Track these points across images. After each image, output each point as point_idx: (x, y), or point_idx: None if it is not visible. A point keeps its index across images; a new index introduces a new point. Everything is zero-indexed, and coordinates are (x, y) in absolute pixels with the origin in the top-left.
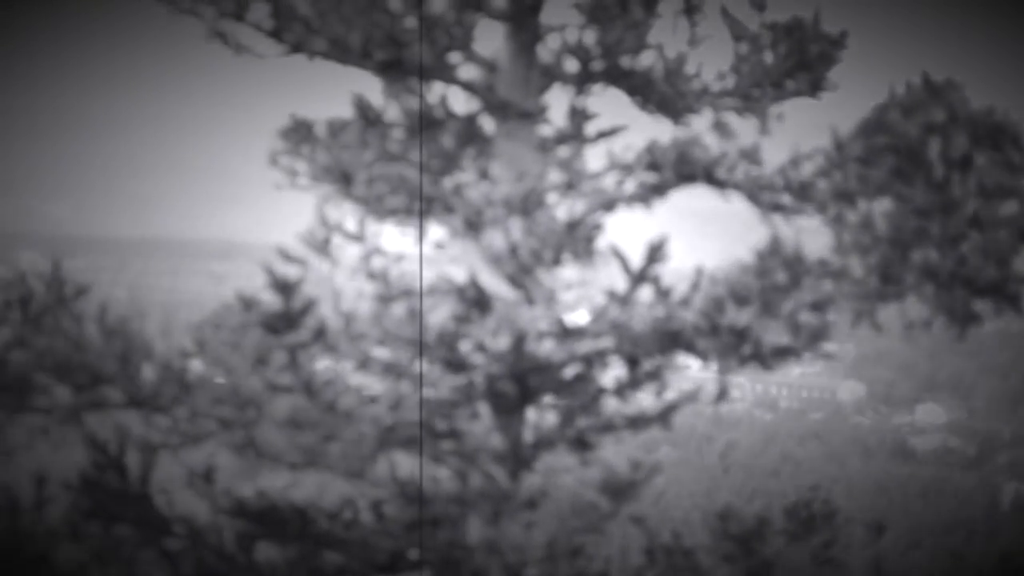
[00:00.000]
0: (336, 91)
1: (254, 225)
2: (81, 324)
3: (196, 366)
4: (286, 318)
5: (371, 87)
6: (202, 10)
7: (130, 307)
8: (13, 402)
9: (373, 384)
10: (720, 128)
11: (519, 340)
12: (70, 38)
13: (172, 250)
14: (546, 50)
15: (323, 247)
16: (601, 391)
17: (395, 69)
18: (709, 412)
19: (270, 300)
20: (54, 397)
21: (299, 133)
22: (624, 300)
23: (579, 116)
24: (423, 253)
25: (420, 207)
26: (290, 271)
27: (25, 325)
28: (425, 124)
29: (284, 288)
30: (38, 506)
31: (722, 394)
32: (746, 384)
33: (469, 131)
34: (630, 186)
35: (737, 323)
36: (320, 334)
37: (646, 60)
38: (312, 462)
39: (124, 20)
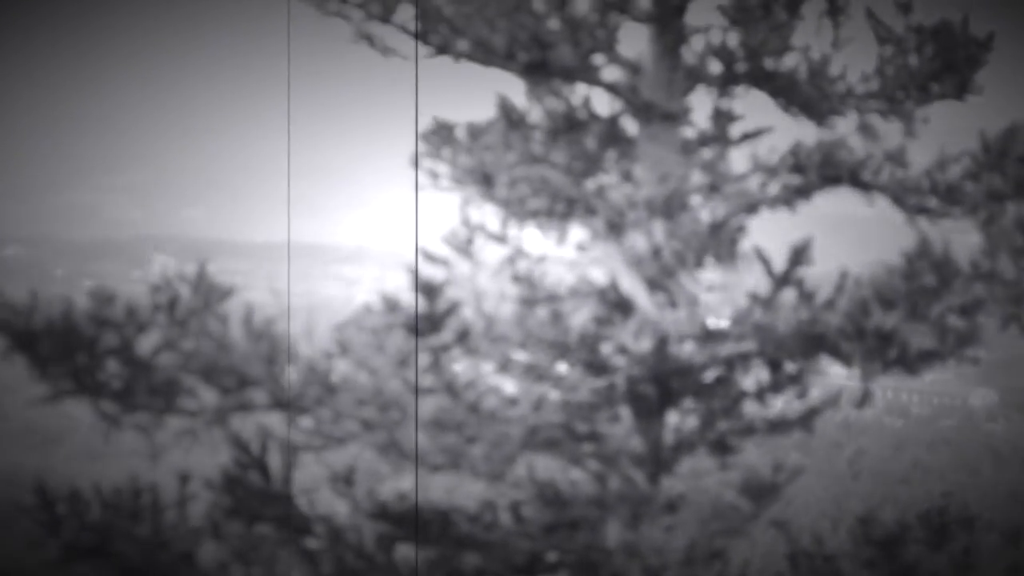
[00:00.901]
0: (478, 93)
1: (385, 230)
2: (227, 326)
3: (340, 367)
4: (430, 320)
5: (515, 89)
6: (349, 12)
7: (275, 309)
8: (161, 404)
9: (508, 385)
10: (865, 130)
11: (661, 343)
12: (205, 48)
13: (303, 254)
14: (690, 52)
15: (466, 248)
16: (742, 394)
17: (539, 71)
18: (839, 418)
19: (413, 301)
20: (201, 399)
21: (440, 136)
22: (767, 303)
23: (723, 118)
24: (563, 255)
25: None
26: (435, 272)
27: (172, 328)
28: (568, 126)
29: (429, 290)
30: (181, 504)
31: (864, 398)
32: (877, 391)
33: (612, 133)
34: (774, 188)
35: (883, 326)
36: (462, 335)
37: (790, 62)
38: (454, 464)
39: (261, 24)
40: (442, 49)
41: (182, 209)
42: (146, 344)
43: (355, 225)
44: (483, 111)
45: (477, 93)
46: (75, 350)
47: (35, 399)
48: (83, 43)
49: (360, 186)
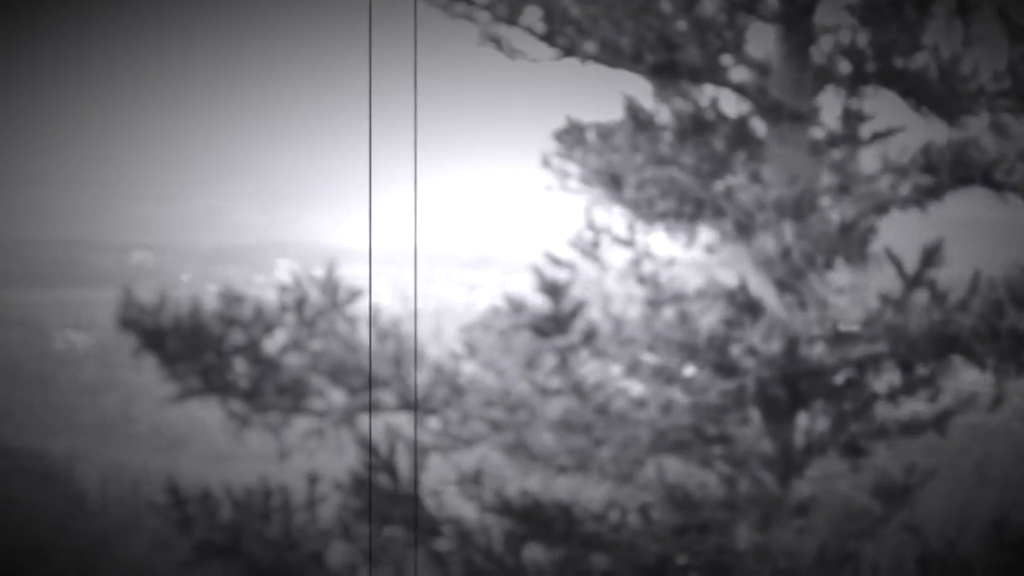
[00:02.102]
0: (601, 95)
1: (505, 237)
2: (355, 327)
3: (467, 369)
4: (555, 321)
5: (642, 90)
6: (476, 15)
7: (401, 311)
8: (289, 404)
9: (637, 387)
10: (997, 129)
11: (791, 344)
12: (332, 54)
13: (425, 260)
14: (819, 51)
15: (592, 251)
16: (874, 396)
17: (666, 72)
18: (965, 423)
19: (539, 303)
20: (328, 399)
21: (572, 136)
22: (899, 304)
23: (853, 118)
24: (691, 257)
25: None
26: (559, 274)
27: (300, 328)
28: (696, 127)
29: (553, 291)
30: (310, 505)
31: (998, 400)
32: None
33: (740, 134)
34: (905, 188)
35: (1018, 327)
36: (589, 337)
37: (920, 61)
38: (582, 465)
39: (388, 29)
40: (569, 51)
41: (306, 215)
42: (273, 344)
43: (478, 230)
44: (609, 113)
45: (603, 95)
46: (203, 349)
47: (165, 399)
48: (206, 50)
49: (483, 192)
